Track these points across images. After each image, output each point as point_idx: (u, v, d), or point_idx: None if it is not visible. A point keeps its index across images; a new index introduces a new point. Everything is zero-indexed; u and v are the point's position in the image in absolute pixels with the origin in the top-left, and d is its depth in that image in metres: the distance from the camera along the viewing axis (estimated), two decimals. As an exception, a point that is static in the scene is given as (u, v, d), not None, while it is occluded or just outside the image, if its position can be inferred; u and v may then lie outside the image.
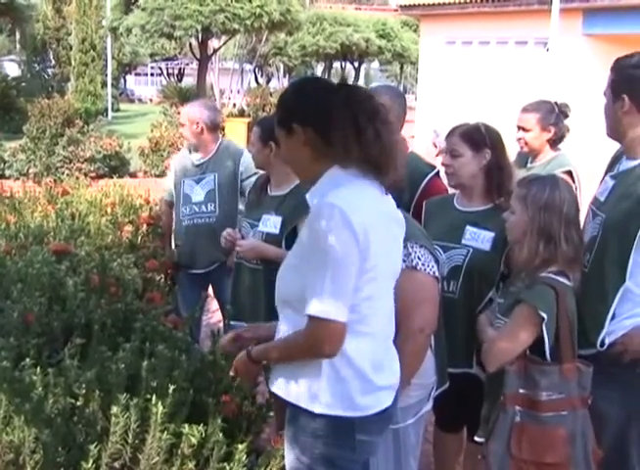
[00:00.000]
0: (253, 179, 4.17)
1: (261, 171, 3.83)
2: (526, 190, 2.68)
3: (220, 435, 2.20)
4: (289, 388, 2.14)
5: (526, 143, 3.99)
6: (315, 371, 2.08)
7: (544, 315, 2.55)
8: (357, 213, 2.00)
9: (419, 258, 2.55)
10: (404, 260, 2.48)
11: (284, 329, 2.17)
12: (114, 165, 13.30)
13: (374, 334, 2.14)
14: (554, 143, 4.02)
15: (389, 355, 2.25)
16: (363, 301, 2.07)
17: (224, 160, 4.48)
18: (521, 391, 2.59)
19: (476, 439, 2.84)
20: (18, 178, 11.21)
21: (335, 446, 2.10)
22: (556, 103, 4.05)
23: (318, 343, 2.02)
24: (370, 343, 2.12)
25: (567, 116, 4.03)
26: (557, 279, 2.61)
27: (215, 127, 4.55)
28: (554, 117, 3.97)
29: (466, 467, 3.39)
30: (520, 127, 4.01)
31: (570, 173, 3.90)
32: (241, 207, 4.36)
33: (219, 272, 4.39)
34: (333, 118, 2.08)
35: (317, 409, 2.08)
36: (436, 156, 4.60)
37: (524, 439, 2.58)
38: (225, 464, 2.30)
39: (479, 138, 3.09)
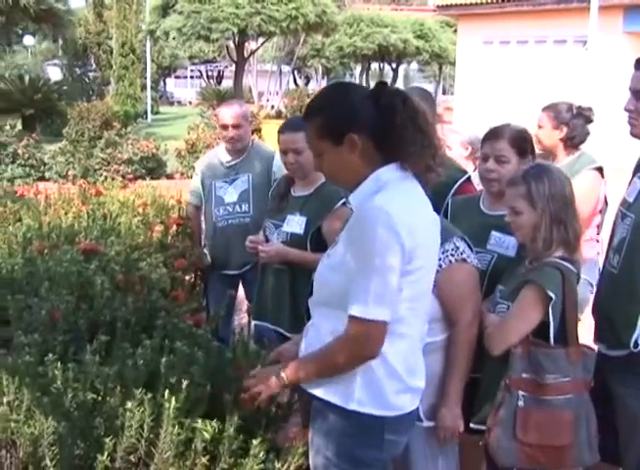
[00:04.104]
0: None
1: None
2: (526, 187, 2.66)
3: (231, 430, 2.22)
4: (321, 385, 2.15)
5: (540, 141, 3.97)
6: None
7: (552, 295, 2.53)
8: (403, 215, 2.01)
9: (464, 251, 2.66)
10: (453, 254, 2.60)
11: (325, 327, 2.15)
12: (151, 167, 13.42)
13: (410, 335, 2.15)
14: (567, 143, 4.00)
15: (421, 358, 2.26)
16: (403, 301, 2.07)
17: (255, 160, 4.53)
18: (524, 375, 2.57)
19: (472, 426, 2.78)
20: (57, 181, 11.37)
21: (363, 445, 2.12)
22: (579, 106, 4.02)
23: (360, 343, 2.03)
24: (406, 344, 2.13)
25: (589, 120, 4.00)
26: (562, 262, 2.60)
27: None
28: (568, 116, 3.96)
29: (465, 458, 3.27)
30: (538, 126, 4.04)
31: (600, 170, 3.93)
32: None
33: (252, 273, 4.40)
34: (381, 121, 2.08)
35: (350, 406, 2.10)
36: (467, 158, 4.49)
37: (529, 423, 2.56)
38: (243, 460, 2.32)
39: (525, 145, 3.06)
